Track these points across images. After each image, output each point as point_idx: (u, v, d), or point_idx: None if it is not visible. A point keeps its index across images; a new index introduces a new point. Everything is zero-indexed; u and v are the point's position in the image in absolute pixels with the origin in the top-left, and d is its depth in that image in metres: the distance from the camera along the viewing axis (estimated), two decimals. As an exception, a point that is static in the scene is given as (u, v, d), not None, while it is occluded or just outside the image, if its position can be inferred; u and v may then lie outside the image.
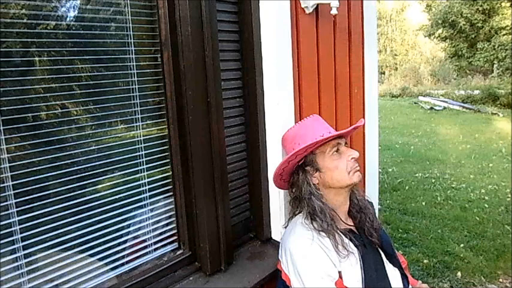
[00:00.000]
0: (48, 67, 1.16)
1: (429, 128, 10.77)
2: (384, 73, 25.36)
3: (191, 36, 1.34)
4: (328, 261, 1.31)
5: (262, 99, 1.65)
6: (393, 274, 1.46)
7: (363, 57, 2.11)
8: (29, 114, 1.11)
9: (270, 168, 1.68)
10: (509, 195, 5.42)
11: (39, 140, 1.13)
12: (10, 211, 1.08)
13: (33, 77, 1.13)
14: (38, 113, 1.13)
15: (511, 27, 18.45)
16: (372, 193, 2.06)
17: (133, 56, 1.32)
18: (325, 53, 1.85)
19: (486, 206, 5.10)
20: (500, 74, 18.26)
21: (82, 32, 1.22)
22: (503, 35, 19.02)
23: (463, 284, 3.45)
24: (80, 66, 1.21)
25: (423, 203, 5.25)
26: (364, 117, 2.09)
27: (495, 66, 19.14)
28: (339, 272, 1.33)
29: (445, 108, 13.84)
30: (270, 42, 1.61)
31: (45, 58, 1.15)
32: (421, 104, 14.85)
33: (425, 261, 3.75)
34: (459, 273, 3.56)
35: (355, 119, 2.03)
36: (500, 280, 3.51)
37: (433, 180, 6.23)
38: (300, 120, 1.54)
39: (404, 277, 1.50)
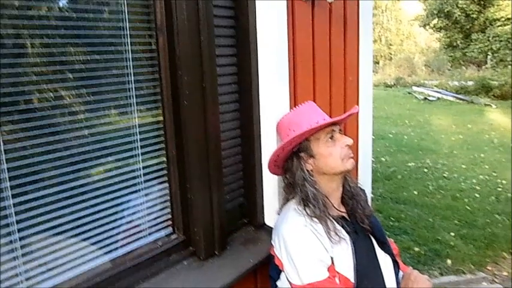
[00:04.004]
0: (40, 52, 1.14)
1: (422, 118, 10.83)
2: (378, 63, 25.36)
3: (187, 21, 1.34)
4: (321, 247, 1.33)
5: (257, 86, 1.64)
6: (384, 260, 1.48)
7: (358, 45, 2.11)
8: (20, 98, 1.10)
9: (264, 155, 1.69)
10: (500, 186, 5.49)
11: (31, 124, 1.12)
12: (5, 194, 1.08)
13: (25, 61, 1.11)
14: (30, 98, 1.12)
15: (507, 19, 18.46)
16: (364, 182, 2.07)
17: (129, 40, 1.31)
18: (321, 40, 1.85)
19: (477, 195, 5.18)
20: (493, 66, 18.33)
21: (75, 15, 1.20)
22: (498, 26, 19.06)
23: (452, 272, 3.51)
24: (73, 51, 1.20)
25: (415, 192, 5.31)
26: (358, 106, 2.10)
27: (489, 57, 19.20)
28: (331, 258, 1.34)
29: (438, 98, 13.91)
30: (266, 28, 1.60)
31: (37, 41, 1.13)
32: (415, 94, 14.91)
33: (416, 249, 3.81)
34: (449, 261, 3.63)
35: (349, 107, 2.03)
36: (489, 268, 3.58)
37: (426, 170, 6.30)
38: (295, 106, 1.54)
39: (395, 263, 1.52)
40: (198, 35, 1.38)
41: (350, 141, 1.42)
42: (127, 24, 1.31)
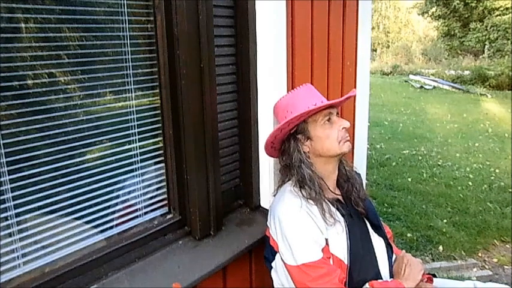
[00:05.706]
0: (35, 32, 1.11)
1: (418, 106, 10.83)
2: (375, 50, 25.22)
3: (185, 0, 1.32)
4: (316, 228, 1.34)
5: (255, 67, 1.64)
6: (378, 243, 1.50)
7: (357, 31, 2.10)
8: (15, 77, 1.09)
9: (261, 137, 1.69)
10: (493, 174, 5.53)
11: (27, 101, 1.11)
12: (1, 170, 1.08)
13: (20, 43, 1.09)
14: (25, 81, 1.10)
15: (506, 8, 18.39)
16: (359, 167, 2.07)
17: (126, 18, 1.30)
18: (319, 24, 1.83)
19: (470, 183, 5.21)
20: (490, 55, 18.30)
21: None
22: (497, 15, 18.98)
23: (444, 257, 3.55)
24: (68, 32, 1.18)
25: (409, 179, 5.34)
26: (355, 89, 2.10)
27: (486, 47, 19.16)
28: (326, 240, 1.36)
29: (434, 87, 13.90)
30: (265, 10, 1.59)
31: (31, 20, 1.11)
32: (412, 82, 14.89)
33: (408, 235, 3.85)
34: (441, 247, 3.67)
35: (346, 92, 2.04)
36: (480, 255, 3.62)
37: (420, 158, 6.33)
38: (292, 89, 1.54)
39: (389, 247, 1.54)
40: (197, 15, 1.36)
41: (347, 123, 1.42)
42: (124, 1, 1.29)
